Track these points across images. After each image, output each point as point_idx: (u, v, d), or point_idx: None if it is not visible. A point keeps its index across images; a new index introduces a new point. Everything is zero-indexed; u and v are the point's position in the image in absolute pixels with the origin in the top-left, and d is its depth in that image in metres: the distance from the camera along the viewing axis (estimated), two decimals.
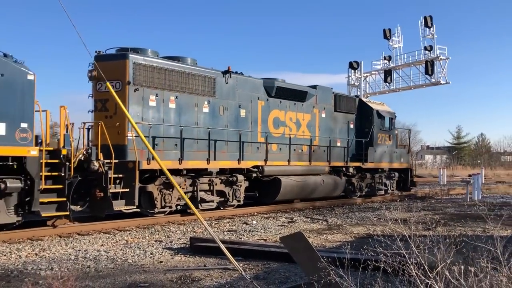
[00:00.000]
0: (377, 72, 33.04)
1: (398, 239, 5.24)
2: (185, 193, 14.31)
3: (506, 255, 4.75)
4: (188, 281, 7.26)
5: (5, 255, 9.04)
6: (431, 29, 29.93)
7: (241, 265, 7.93)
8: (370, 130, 21.77)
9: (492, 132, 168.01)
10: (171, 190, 13.72)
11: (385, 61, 32.26)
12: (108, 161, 12.01)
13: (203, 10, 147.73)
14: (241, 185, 16.00)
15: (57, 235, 11.19)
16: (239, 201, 16.04)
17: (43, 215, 10.93)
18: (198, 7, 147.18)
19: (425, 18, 30.13)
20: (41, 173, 10.60)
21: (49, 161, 10.98)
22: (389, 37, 31.57)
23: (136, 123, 12.94)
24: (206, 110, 15.36)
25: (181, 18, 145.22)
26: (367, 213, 16.66)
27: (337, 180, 19.72)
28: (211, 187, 15.03)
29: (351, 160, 20.81)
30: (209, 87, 15.46)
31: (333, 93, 20.91)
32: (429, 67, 29.61)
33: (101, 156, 12.01)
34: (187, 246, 9.95)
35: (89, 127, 13.69)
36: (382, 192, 22.53)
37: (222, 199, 15.50)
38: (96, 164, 11.81)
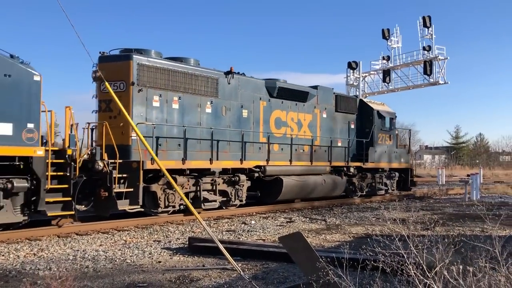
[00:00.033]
0: (375, 72, 32.91)
1: (396, 239, 5.21)
2: (188, 192, 14.37)
3: (505, 255, 4.72)
4: (186, 281, 7.22)
5: (3, 255, 8.99)
6: (430, 29, 29.82)
7: (240, 265, 7.89)
8: (371, 130, 21.79)
9: (491, 132, 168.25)
10: (174, 190, 13.73)
11: (384, 61, 32.13)
12: (113, 161, 12.06)
13: (203, 10, 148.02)
14: (243, 185, 16.03)
15: (55, 235, 11.12)
16: (241, 200, 16.06)
17: (49, 214, 10.93)
18: (197, 7, 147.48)
19: (423, 18, 29.99)
20: (47, 173, 10.63)
21: (54, 161, 11.00)
22: (387, 37, 31.43)
23: (140, 123, 13.09)
24: (208, 110, 15.39)
25: (181, 18, 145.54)
26: (366, 213, 16.61)
27: (338, 180, 19.74)
28: (214, 186, 15.04)
29: (352, 160, 20.83)
30: (212, 87, 15.49)
31: (334, 93, 20.94)
32: (427, 67, 29.50)
33: (105, 156, 12.06)
34: (185, 246, 9.90)
35: (93, 127, 13.73)
36: (383, 192, 22.53)
37: (225, 198, 15.53)
38: (101, 164, 11.85)
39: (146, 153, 12.98)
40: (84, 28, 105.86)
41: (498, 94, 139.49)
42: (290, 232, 10.10)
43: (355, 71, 32.32)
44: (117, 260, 8.69)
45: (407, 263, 4.69)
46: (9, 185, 10.08)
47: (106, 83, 10.40)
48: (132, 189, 12.38)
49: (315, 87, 19.90)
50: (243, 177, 15.90)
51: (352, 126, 21.73)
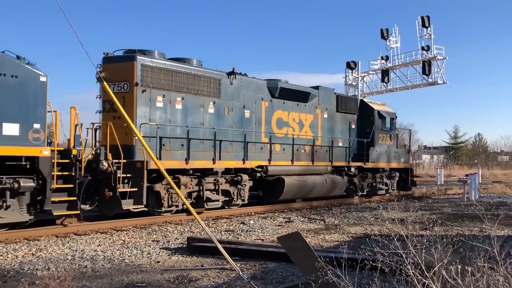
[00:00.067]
0: (374, 72, 32.81)
1: (395, 239, 5.19)
2: (192, 192, 14.40)
3: (503, 255, 4.73)
4: (185, 281, 7.16)
5: (1, 255, 8.94)
6: (429, 29, 29.74)
7: (239, 265, 7.85)
8: (371, 130, 21.80)
9: (489, 132, 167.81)
10: None
11: (383, 61, 32.03)
12: (117, 161, 12.09)
13: (202, 10, 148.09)
14: (245, 185, 16.04)
15: (53, 235, 11.04)
16: (243, 200, 16.08)
17: (54, 214, 10.96)
18: (197, 7, 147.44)
19: (422, 18, 29.90)
20: (53, 173, 10.68)
21: (60, 161, 11.04)
22: (386, 37, 31.32)
23: (144, 123, 13.13)
24: (211, 111, 15.42)
25: (181, 18, 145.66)
26: (365, 213, 16.55)
27: (339, 179, 19.74)
28: (217, 186, 15.06)
29: (352, 160, 20.85)
30: (215, 88, 15.52)
31: (335, 93, 20.96)
32: (426, 67, 29.42)
33: (109, 156, 12.09)
34: (184, 246, 9.84)
35: (97, 127, 13.76)
36: (383, 191, 22.53)
37: (227, 198, 15.56)
38: (105, 164, 11.88)
39: None
40: (84, 28, 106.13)
41: (497, 94, 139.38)
42: (288, 232, 10.00)
43: (353, 71, 32.22)
44: (116, 260, 8.63)
45: (406, 263, 4.67)
46: (16, 185, 10.12)
47: (105, 84, 10.40)
48: (136, 189, 12.41)
49: (317, 88, 19.91)
50: (245, 177, 15.92)
51: (353, 126, 21.74)
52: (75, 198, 11.14)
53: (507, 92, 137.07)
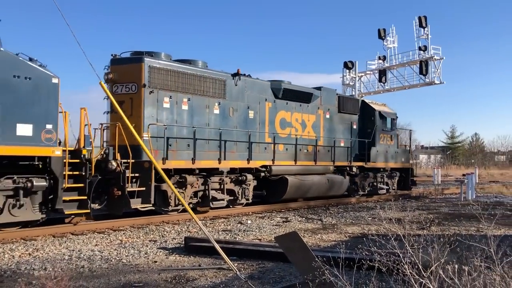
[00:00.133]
0: (371, 72, 32.77)
1: (392, 239, 5.16)
2: (198, 191, 14.48)
3: (500, 254, 4.72)
4: (182, 281, 7.06)
5: None
6: (426, 29, 29.66)
7: (236, 264, 7.78)
8: (373, 130, 21.83)
9: (486, 132, 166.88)
10: (184, 189, 13.86)
11: (380, 61, 31.99)
12: (125, 160, 12.16)
13: (202, 11, 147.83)
14: (250, 184, 16.10)
15: (50, 235, 10.91)
16: (247, 199, 16.13)
17: (66, 212, 11.01)
18: (196, 7, 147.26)
19: (419, 18, 29.82)
20: (64, 173, 10.76)
21: (71, 160, 11.10)
22: (383, 37, 31.25)
23: (151, 124, 13.22)
24: (216, 111, 15.48)
25: (180, 19, 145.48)
26: (362, 212, 16.41)
27: (341, 179, 19.76)
28: (222, 186, 15.12)
29: (354, 159, 20.89)
30: (220, 89, 15.59)
31: (337, 94, 21.03)
32: (423, 67, 29.36)
33: (118, 156, 12.17)
34: (181, 246, 9.72)
35: (105, 128, 13.84)
36: (384, 191, 22.53)
37: (232, 197, 15.63)
38: (114, 163, 11.94)
39: (157, 153, 13.12)
40: (85, 29, 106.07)
41: (494, 94, 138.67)
42: (286, 232, 9.86)
43: (351, 71, 32.18)
44: (113, 260, 8.52)
45: (403, 263, 4.63)
46: (29, 184, 10.21)
47: (101, 83, 10.36)
48: (144, 188, 12.45)
49: (319, 88, 19.95)
50: (249, 176, 15.98)
51: (354, 127, 21.78)
52: (85, 197, 11.20)
53: (505, 92, 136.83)
